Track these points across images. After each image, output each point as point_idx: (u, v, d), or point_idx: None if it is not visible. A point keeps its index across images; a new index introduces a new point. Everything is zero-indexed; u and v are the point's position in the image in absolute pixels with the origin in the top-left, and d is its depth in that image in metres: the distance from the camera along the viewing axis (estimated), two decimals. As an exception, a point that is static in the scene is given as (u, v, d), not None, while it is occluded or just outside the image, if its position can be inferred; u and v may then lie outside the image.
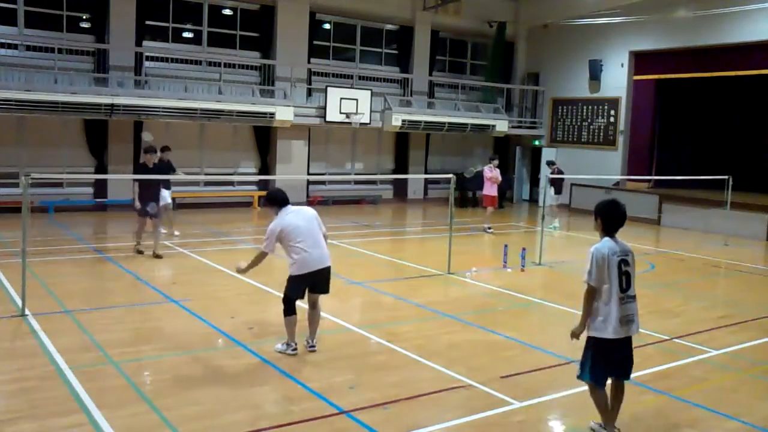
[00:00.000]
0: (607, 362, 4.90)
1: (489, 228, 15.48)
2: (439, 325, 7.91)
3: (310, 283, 6.53)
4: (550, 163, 17.07)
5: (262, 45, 18.90)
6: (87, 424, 4.89)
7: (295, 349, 6.50)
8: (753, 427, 5.33)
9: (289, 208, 6.63)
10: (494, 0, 22.42)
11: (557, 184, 16.53)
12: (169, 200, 12.91)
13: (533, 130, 23.06)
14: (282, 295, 6.61)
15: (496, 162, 15.87)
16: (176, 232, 13.22)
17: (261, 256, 6.59)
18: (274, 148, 18.89)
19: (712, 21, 17.82)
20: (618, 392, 5.05)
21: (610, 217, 4.88)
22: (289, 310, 6.54)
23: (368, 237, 14.36)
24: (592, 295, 4.80)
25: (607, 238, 4.87)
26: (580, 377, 4.98)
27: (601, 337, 4.82)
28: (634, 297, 4.89)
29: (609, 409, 4.95)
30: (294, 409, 5.30)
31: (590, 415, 5.48)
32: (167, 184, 12.64)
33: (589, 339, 4.90)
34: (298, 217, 6.57)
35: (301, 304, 6.66)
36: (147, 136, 14.26)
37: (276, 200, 6.71)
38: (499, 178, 15.85)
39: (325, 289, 6.67)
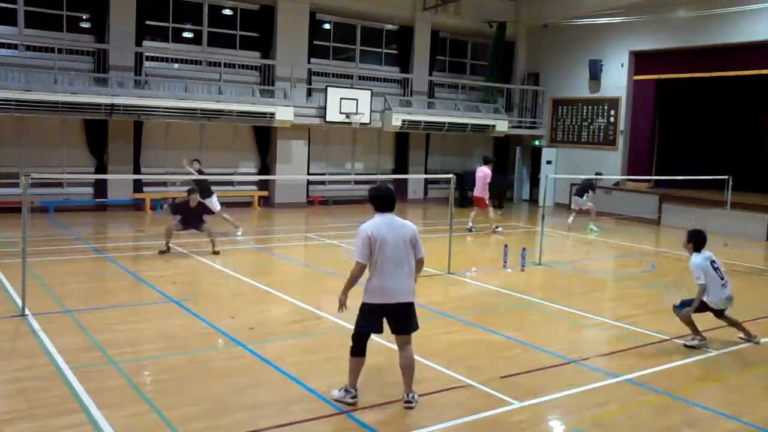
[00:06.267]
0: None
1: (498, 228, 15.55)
2: (439, 325, 7.90)
3: (388, 317, 5.38)
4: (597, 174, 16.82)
5: (262, 45, 18.89)
6: (87, 424, 4.90)
7: (355, 396, 5.38)
8: (753, 427, 5.33)
9: (387, 216, 5.44)
10: (494, 0, 22.41)
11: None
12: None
13: (533, 130, 23.05)
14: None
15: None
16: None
17: (357, 272, 5.29)
18: (274, 148, 18.89)
19: (712, 21, 17.80)
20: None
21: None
22: (356, 348, 5.39)
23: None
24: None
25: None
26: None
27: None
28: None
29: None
30: (294, 409, 5.30)
31: (590, 415, 5.48)
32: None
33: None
34: (390, 228, 5.37)
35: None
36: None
37: (372, 200, 5.53)
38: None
39: (406, 329, 5.41)
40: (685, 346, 7.25)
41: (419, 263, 5.50)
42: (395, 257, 5.28)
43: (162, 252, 11.33)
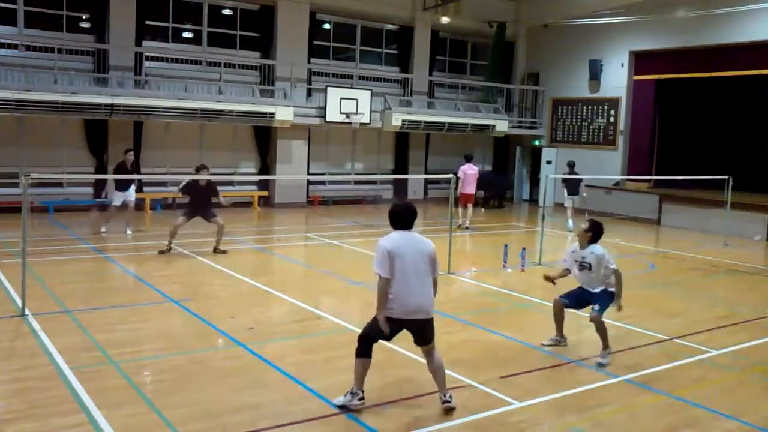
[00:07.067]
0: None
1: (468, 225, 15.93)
2: (439, 325, 7.80)
3: (402, 329, 5.41)
4: (569, 165, 17.13)
5: (262, 45, 18.90)
6: (87, 424, 4.89)
7: (362, 398, 5.31)
8: (753, 427, 5.33)
9: (406, 233, 5.39)
10: (494, 0, 22.41)
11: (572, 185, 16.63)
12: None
13: (533, 130, 23.05)
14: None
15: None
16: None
17: (383, 287, 5.22)
18: (274, 148, 18.89)
19: (712, 21, 17.81)
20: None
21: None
22: (362, 350, 5.36)
23: (368, 237, 14.35)
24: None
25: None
26: None
27: None
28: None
29: None
30: (294, 409, 5.30)
31: (590, 415, 5.49)
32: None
33: None
34: (408, 244, 5.31)
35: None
36: None
37: (390, 217, 5.45)
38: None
39: (425, 339, 5.43)
40: (600, 365, 6.57)
41: (434, 283, 5.47)
42: (413, 273, 5.24)
43: (162, 252, 11.30)
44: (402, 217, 5.41)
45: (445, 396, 5.40)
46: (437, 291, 5.51)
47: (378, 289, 5.23)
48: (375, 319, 5.33)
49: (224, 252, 11.49)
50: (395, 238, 5.32)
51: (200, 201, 11.51)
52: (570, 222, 16.57)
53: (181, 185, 11.80)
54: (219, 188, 15.32)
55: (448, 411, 5.33)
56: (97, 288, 9.53)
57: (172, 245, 11.40)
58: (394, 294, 5.23)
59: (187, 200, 11.75)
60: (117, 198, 13.42)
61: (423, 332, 5.40)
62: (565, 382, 6.15)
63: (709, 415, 5.54)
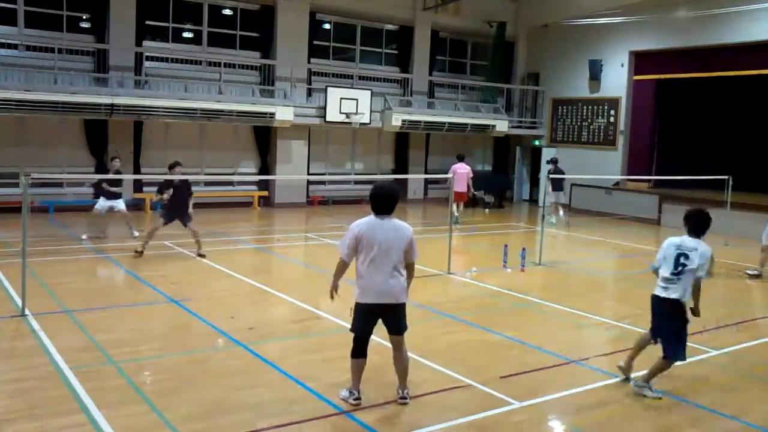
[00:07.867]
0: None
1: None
2: (439, 325, 7.90)
3: (379, 317, 5.37)
4: (552, 161, 17.48)
5: (262, 45, 18.89)
6: (87, 424, 4.89)
7: (358, 398, 5.37)
8: (753, 427, 5.33)
9: (383, 218, 5.34)
10: (494, 0, 22.41)
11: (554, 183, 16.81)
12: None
13: (533, 130, 23.05)
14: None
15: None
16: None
17: (339, 265, 5.40)
18: (274, 148, 18.89)
19: (713, 21, 17.81)
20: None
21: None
22: (355, 349, 5.39)
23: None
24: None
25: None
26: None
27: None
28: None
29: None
30: (294, 409, 5.30)
31: (590, 415, 5.49)
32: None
33: None
34: (382, 229, 5.29)
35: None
36: None
37: (371, 198, 5.41)
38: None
39: (397, 329, 5.39)
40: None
41: (410, 267, 5.41)
42: (382, 259, 5.24)
43: (138, 252, 10.94)
44: (381, 202, 5.36)
45: (402, 392, 5.45)
46: (412, 275, 5.44)
47: (336, 266, 5.41)
48: (354, 311, 5.37)
49: (204, 256, 11.21)
50: (370, 222, 5.33)
51: (179, 200, 11.14)
52: (561, 215, 16.80)
53: (160, 187, 11.40)
54: (218, 188, 15.33)
55: (402, 405, 5.41)
56: (97, 288, 9.54)
57: (146, 247, 11.04)
58: (363, 279, 5.29)
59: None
60: (102, 207, 12.78)
61: (395, 319, 5.38)
62: (565, 382, 6.14)
63: (709, 415, 5.54)
